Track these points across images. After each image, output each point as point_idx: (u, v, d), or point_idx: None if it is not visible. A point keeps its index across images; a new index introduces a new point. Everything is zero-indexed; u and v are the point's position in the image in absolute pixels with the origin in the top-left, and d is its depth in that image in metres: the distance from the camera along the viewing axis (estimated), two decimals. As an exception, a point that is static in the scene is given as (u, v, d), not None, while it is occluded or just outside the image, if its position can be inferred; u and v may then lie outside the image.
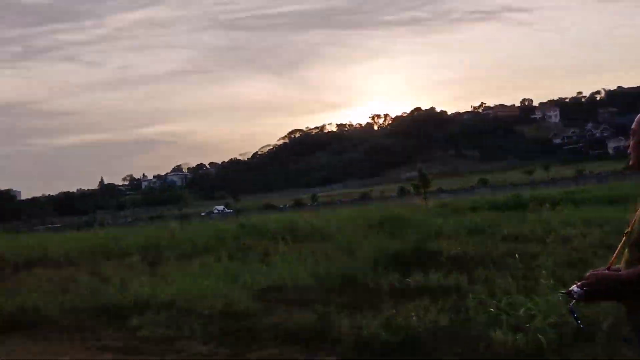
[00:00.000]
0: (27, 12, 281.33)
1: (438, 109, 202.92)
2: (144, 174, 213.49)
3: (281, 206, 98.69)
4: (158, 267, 15.52)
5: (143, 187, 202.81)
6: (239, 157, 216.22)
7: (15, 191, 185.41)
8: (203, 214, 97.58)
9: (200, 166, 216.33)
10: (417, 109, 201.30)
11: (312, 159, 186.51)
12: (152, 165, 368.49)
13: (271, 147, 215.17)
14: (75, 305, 10.90)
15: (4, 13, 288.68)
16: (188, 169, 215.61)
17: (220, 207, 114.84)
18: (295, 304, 9.96)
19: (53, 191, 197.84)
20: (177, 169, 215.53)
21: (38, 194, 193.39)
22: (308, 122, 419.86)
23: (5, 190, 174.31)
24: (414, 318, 7.81)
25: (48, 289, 12.92)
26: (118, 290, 11.54)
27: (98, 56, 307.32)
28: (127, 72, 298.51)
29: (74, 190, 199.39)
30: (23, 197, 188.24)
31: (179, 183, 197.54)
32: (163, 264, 16.20)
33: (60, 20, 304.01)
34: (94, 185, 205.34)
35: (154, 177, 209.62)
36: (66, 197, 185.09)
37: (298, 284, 11.47)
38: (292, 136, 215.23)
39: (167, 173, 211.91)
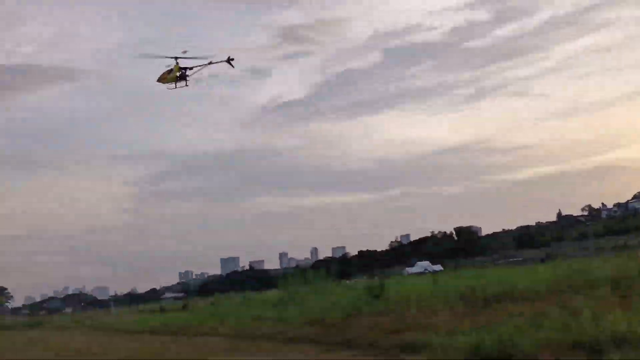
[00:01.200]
0: (475, 54, 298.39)
1: None
2: (603, 203, 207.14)
3: None
4: (630, 299, 14.71)
5: (603, 216, 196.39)
6: None
7: (476, 227, 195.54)
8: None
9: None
10: None
11: None
12: (611, 193, 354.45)
13: None
14: (550, 339, 10.87)
15: (454, 59, 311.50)
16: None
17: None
18: None
19: (511, 225, 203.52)
20: (639, 195, 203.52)
21: (498, 229, 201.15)
22: None
23: (467, 227, 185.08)
24: None
25: (519, 323, 13.18)
26: (591, 325, 11.20)
27: (547, 88, 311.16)
28: (577, 100, 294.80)
29: (532, 223, 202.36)
30: (484, 232, 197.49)
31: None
32: (636, 296, 15.29)
33: (507, 58, 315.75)
34: (551, 217, 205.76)
35: (614, 205, 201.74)
36: (524, 230, 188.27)
37: None
38: None
39: (628, 200, 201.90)
